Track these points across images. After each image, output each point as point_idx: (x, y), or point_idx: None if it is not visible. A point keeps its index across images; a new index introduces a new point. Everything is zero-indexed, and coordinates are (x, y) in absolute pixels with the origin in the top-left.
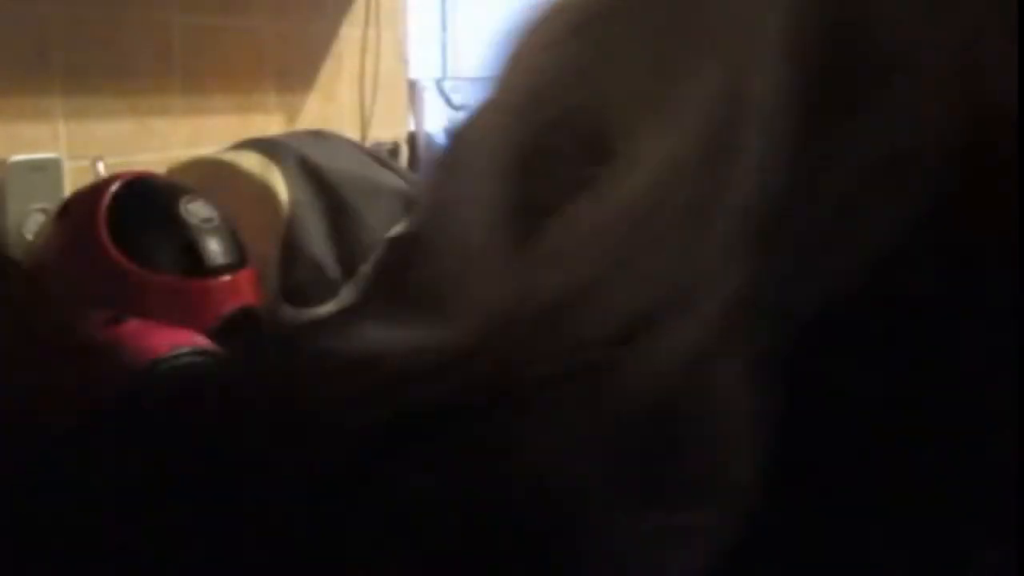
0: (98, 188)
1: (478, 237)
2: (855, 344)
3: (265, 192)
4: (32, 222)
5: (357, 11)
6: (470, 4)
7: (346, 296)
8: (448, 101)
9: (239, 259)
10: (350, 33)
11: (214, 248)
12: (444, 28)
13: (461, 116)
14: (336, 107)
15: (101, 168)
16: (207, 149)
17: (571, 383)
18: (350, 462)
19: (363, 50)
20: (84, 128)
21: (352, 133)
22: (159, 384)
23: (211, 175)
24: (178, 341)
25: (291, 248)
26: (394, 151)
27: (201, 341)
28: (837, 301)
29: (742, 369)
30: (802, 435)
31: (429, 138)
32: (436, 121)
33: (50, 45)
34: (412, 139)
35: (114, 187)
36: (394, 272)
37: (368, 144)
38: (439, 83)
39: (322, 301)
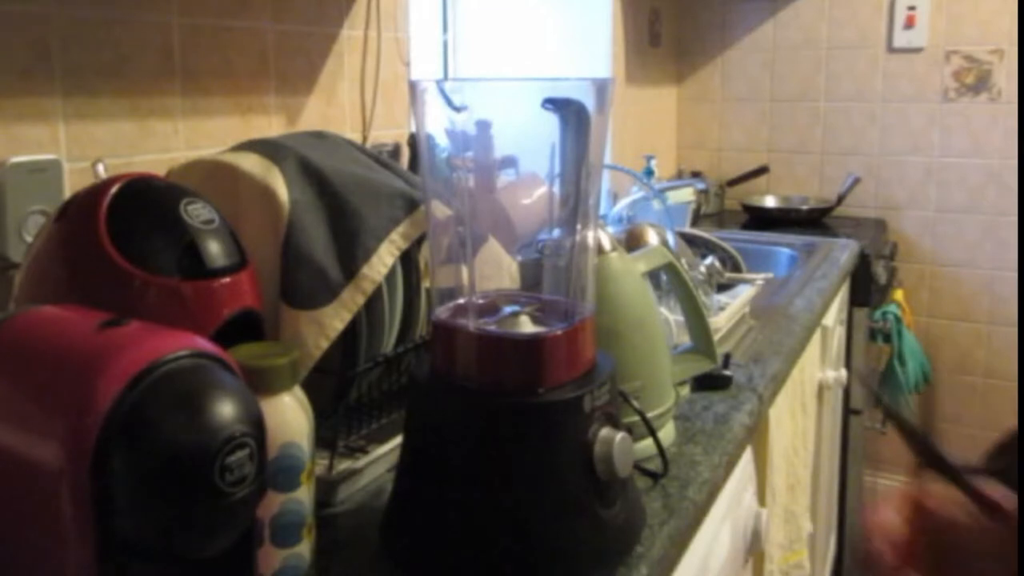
0: (98, 190)
1: None
2: None
3: (266, 193)
4: (32, 223)
5: (358, 12)
6: (470, 5)
7: (347, 297)
8: (449, 102)
9: (239, 261)
10: (351, 34)
11: (214, 250)
12: (445, 29)
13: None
14: (337, 108)
15: (101, 169)
16: (207, 150)
17: None
18: None
19: (364, 51)
20: (84, 129)
21: (353, 134)
22: None
23: (211, 176)
24: (178, 343)
25: (292, 249)
26: (395, 152)
27: (202, 343)
28: None
29: None
30: None
31: (430, 139)
32: (437, 122)
33: (50, 46)
34: (413, 140)
35: (114, 189)
36: None
37: (369, 145)
38: (440, 84)
39: (323, 302)
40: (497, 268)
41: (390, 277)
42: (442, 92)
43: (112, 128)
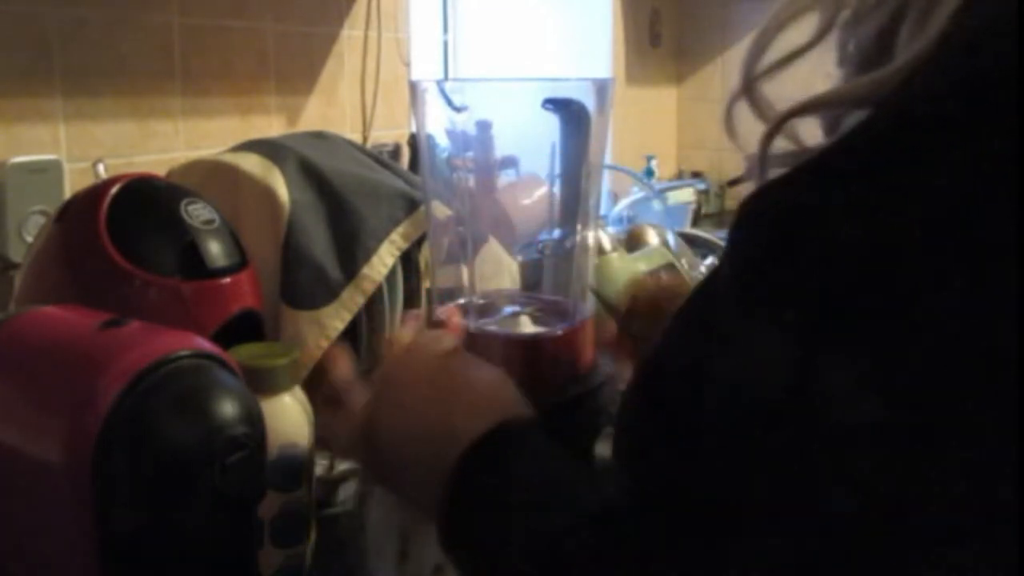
0: (98, 190)
1: None
2: None
3: (266, 193)
4: (32, 224)
5: (358, 12)
6: (471, 5)
7: (347, 297)
8: (449, 102)
9: (240, 261)
10: (351, 34)
11: (215, 250)
12: (445, 29)
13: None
14: (337, 108)
15: (101, 170)
16: (208, 150)
17: None
18: None
19: (364, 51)
20: (84, 130)
21: (353, 134)
22: None
23: (212, 177)
24: (179, 344)
25: (292, 249)
26: (395, 152)
27: (202, 343)
28: None
29: None
30: None
31: (430, 139)
32: (437, 122)
33: (50, 46)
34: (413, 140)
35: (114, 189)
36: None
37: (369, 145)
38: (440, 84)
39: (323, 303)
40: (497, 268)
41: (390, 277)
42: (442, 92)
43: (112, 128)
